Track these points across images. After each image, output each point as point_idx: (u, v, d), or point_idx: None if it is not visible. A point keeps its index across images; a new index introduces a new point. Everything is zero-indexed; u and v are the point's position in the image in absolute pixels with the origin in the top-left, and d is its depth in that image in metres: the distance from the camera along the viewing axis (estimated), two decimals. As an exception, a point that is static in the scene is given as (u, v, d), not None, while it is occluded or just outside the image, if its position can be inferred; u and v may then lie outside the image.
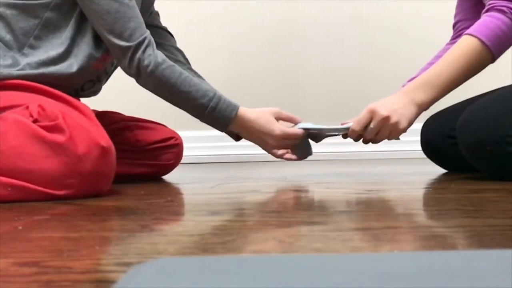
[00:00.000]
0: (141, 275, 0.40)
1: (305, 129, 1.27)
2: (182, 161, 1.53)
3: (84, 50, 1.21)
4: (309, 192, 1.10)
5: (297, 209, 0.91)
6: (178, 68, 1.22)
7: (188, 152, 1.83)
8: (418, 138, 1.47)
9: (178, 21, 2.10)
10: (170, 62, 1.22)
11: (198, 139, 2.10)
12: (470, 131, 1.15)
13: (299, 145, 1.30)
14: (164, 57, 1.22)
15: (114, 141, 1.40)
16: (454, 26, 1.50)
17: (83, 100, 1.33)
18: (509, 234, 0.62)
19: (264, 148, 1.30)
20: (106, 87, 1.42)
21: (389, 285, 0.37)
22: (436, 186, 1.22)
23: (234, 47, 2.19)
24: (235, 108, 1.23)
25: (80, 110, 1.10)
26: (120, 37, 1.17)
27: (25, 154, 1.00)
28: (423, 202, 0.98)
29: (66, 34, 1.19)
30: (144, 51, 1.18)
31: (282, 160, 1.35)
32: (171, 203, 1.01)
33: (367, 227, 0.70)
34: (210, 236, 0.67)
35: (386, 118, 1.17)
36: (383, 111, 1.17)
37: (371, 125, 1.18)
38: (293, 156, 1.35)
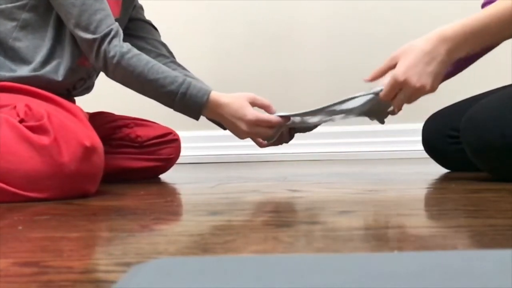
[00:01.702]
0: (141, 275, 0.40)
1: (282, 116, 1.20)
2: (181, 161, 1.53)
3: (67, 49, 1.21)
4: (309, 192, 1.09)
5: (297, 209, 0.91)
6: (145, 56, 1.19)
7: (188, 152, 1.84)
8: (418, 138, 1.47)
9: (176, 22, 2.10)
10: (137, 51, 1.18)
11: (198, 139, 2.10)
12: (475, 131, 1.12)
13: (274, 134, 1.22)
14: (130, 46, 1.18)
15: (115, 137, 1.40)
16: (482, 7, 1.43)
17: (77, 99, 1.33)
18: (509, 234, 0.62)
19: (236, 134, 1.23)
20: (102, 89, 1.42)
21: (389, 285, 0.37)
22: (436, 186, 1.22)
23: (233, 47, 2.19)
24: (207, 92, 1.19)
25: (69, 110, 1.09)
26: (86, 30, 1.15)
27: (10, 155, 0.98)
28: (423, 202, 0.98)
29: (48, 36, 1.19)
30: (109, 43, 1.16)
31: (281, 160, 1.34)
32: (171, 203, 1.01)
33: (367, 227, 0.70)
34: (210, 236, 0.67)
35: (419, 89, 1.07)
36: (414, 80, 1.06)
37: (401, 96, 1.10)
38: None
